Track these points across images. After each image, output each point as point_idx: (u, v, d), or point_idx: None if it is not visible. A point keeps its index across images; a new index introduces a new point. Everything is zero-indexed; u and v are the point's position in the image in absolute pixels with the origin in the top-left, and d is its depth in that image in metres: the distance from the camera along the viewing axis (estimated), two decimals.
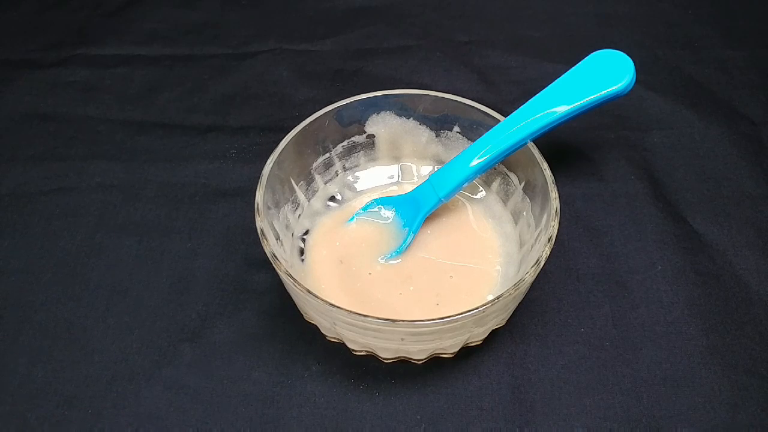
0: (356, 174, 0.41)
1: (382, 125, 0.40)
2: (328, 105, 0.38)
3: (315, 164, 0.39)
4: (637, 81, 0.37)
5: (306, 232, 0.38)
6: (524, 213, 0.37)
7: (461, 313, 0.29)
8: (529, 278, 0.31)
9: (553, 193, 0.33)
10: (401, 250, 0.37)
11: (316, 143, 0.39)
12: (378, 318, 0.29)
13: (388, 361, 0.35)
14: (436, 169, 0.40)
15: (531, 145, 0.36)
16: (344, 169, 0.41)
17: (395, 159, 0.42)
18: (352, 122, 0.40)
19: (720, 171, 0.44)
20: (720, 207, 0.42)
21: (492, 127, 0.37)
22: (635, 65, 0.37)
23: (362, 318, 0.29)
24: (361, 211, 0.39)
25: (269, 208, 0.35)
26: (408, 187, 0.40)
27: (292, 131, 0.36)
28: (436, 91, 0.39)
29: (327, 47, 0.54)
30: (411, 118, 0.40)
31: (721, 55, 0.52)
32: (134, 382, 0.35)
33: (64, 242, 0.41)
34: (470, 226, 0.39)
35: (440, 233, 0.38)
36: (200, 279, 0.39)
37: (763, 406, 0.33)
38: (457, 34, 0.55)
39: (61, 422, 0.33)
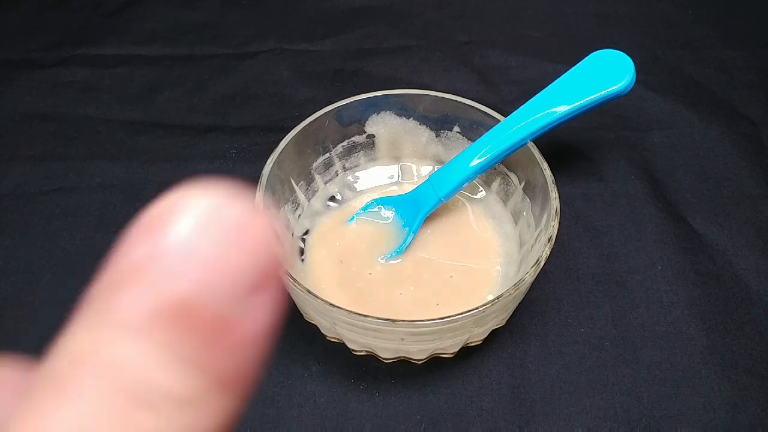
0: (356, 174, 0.41)
1: (382, 125, 0.40)
2: (328, 105, 0.38)
3: (315, 164, 0.39)
4: (637, 81, 0.37)
5: (306, 232, 0.38)
6: (524, 213, 0.37)
7: (461, 313, 0.29)
8: (529, 278, 0.31)
9: (553, 193, 0.33)
10: (401, 250, 0.37)
11: (316, 143, 0.39)
12: (378, 318, 0.29)
13: (388, 361, 0.35)
14: (436, 169, 0.40)
15: (531, 145, 0.36)
16: (344, 169, 0.41)
17: (395, 159, 0.42)
18: (352, 122, 0.40)
19: (720, 171, 0.44)
20: (720, 207, 0.42)
21: (492, 127, 0.37)
22: (635, 65, 0.37)
23: (362, 318, 0.29)
24: (361, 211, 0.39)
25: (269, 208, 0.35)
26: (408, 187, 0.40)
27: (292, 131, 0.36)
28: (436, 91, 0.39)
29: (327, 47, 0.54)
30: (411, 118, 0.40)
31: (721, 55, 0.52)
32: None
33: (64, 242, 0.41)
34: (470, 226, 0.39)
35: (440, 233, 0.38)
36: None
37: (763, 407, 0.33)
38: (457, 34, 0.55)
39: None
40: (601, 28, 0.55)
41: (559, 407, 0.33)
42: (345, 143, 0.40)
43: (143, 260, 0.10)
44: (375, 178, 0.41)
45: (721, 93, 0.49)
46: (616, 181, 0.44)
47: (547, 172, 0.34)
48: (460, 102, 0.38)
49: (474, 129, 0.39)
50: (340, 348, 0.35)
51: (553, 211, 0.33)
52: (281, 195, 0.37)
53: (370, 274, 0.36)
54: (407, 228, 0.38)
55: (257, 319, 0.11)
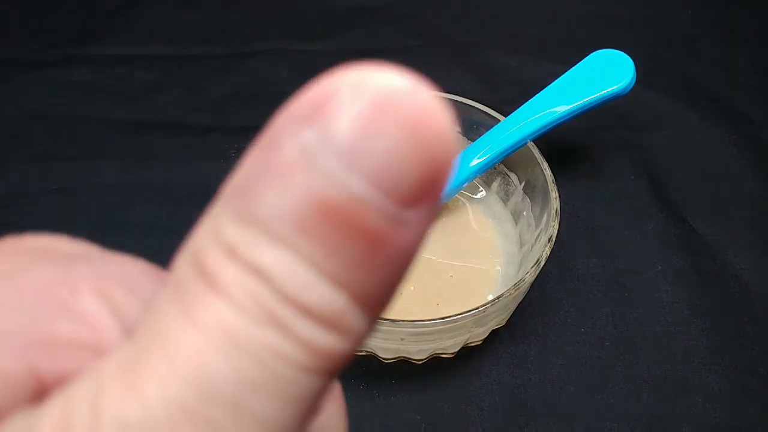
0: None
1: None
2: None
3: None
4: (638, 81, 0.37)
5: None
6: (524, 213, 0.37)
7: (461, 313, 0.29)
8: (530, 278, 0.31)
9: (554, 193, 0.33)
10: None
11: None
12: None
13: (388, 361, 0.35)
14: None
15: (531, 145, 0.36)
16: None
17: None
18: None
19: (720, 171, 0.44)
20: (720, 207, 0.42)
21: (492, 126, 0.37)
22: (635, 65, 0.37)
23: None
24: None
25: None
26: None
27: None
28: (435, 90, 0.39)
29: (327, 47, 0.54)
30: None
31: (722, 54, 0.52)
32: None
33: None
34: (470, 225, 0.39)
35: (440, 233, 0.38)
36: None
37: (763, 407, 0.33)
38: (457, 34, 0.55)
39: None
40: (601, 27, 0.55)
41: (559, 407, 0.33)
42: None
43: (295, 155, 0.09)
44: None
45: (722, 93, 0.49)
46: (616, 180, 0.43)
47: (547, 172, 0.34)
48: (460, 102, 0.38)
49: (474, 129, 0.38)
50: None
51: (554, 211, 0.33)
52: None
53: None
54: None
55: (414, 232, 0.09)
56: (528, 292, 0.35)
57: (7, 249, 0.13)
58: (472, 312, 0.29)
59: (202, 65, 0.52)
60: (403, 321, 0.29)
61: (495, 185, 0.40)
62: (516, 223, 0.38)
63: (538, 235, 0.34)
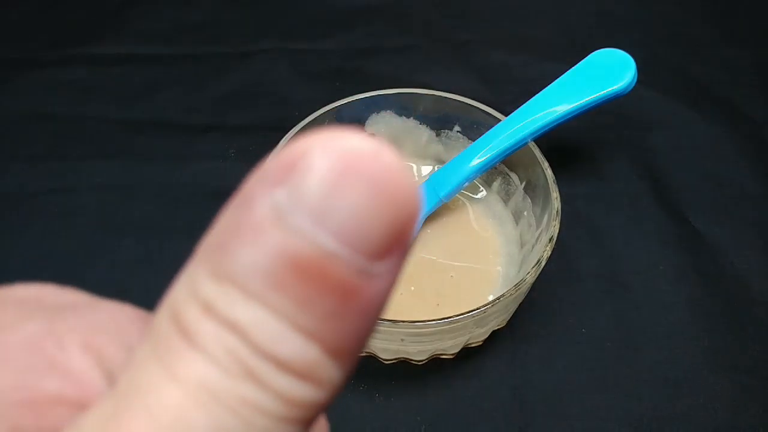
0: None
1: (382, 124, 0.40)
2: (328, 104, 0.38)
3: None
4: (639, 80, 0.37)
5: None
6: (525, 213, 0.37)
7: (462, 314, 0.29)
8: (530, 278, 0.31)
9: (554, 193, 0.33)
10: None
11: None
12: (378, 318, 0.29)
13: (388, 362, 0.35)
14: (436, 169, 0.40)
15: (532, 145, 0.35)
16: None
17: None
18: (352, 121, 0.39)
19: (722, 171, 0.44)
20: (722, 207, 0.42)
21: (493, 126, 0.36)
22: (636, 64, 0.37)
23: None
24: None
25: None
26: None
27: (291, 131, 0.36)
28: (436, 90, 0.39)
29: (327, 46, 0.54)
30: (411, 118, 0.40)
31: (723, 54, 0.52)
32: None
33: (64, 242, 0.41)
34: (471, 225, 0.39)
35: (441, 233, 0.38)
36: None
37: (764, 407, 0.33)
38: (457, 33, 0.55)
39: None
40: (602, 26, 0.55)
41: (560, 408, 0.33)
42: None
43: (267, 213, 0.09)
44: None
45: (723, 92, 0.49)
46: (618, 180, 0.43)
47: (548, 172, 0.34)
48: (461, 101, 0.38)
49: (474, 128, 0.38)
50: None
51: (554, 211, 0.33)
52: None
53: None
54: None
55: (383, 284, 0.10)
56: (529, 292, 0.34)
57: None
58: (472, 312, 0.29)
59: (202, 65, 0.52)
60: (403, 321, 0.29)
61: (496, 185, 0.40)
62: (517, 223, 0.38)
63: (539, 236, 0.34)
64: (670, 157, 0.45)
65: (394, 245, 0.09)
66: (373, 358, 0.35)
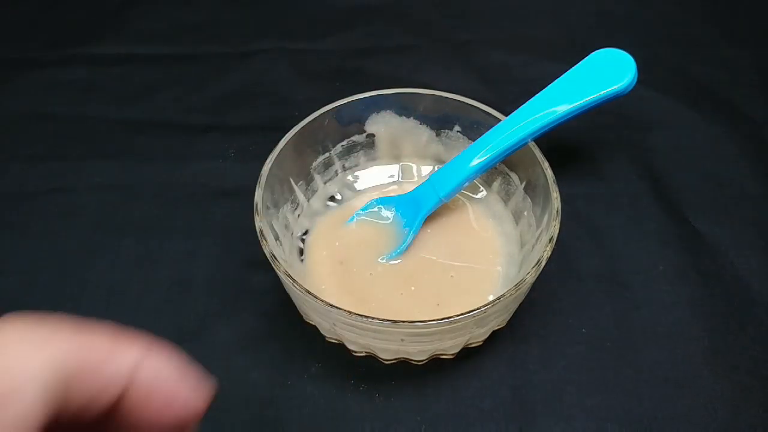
0: (356, 174, 0.41)
1: (382, 124, 0.40)
2: (327, 104, 0.38)
3: (314, 164, 0.39)
4: (639, 80, 0.37)
5: (305, 232, 0.38)
6: (525, 213, 0.37)
7: (462, 314, 0.29)
8: (530, 278, 0.31)
9: (555, 193, 0.33)
10: (402, 250, 0.37)
11: (316, 143, 0.39)
12: (378, 319, 0.29)
13: (388, 362, 0.34)
14: (436, 169, 0.40)
15: (532, 145, 0.35)
16: (344, 168, 0.41)
17: (395, 158, 0.42)
18: (352, 121, 0.39)
19: (722, 171, 0.44)
20: (722, 207, 0.42)
21: (493, 126, 0.36)
22: (637, 64, 0.37)
23: (362, 319, 0.29)
24: (361, 211, 0.39)
25: (268, 208, 0.34)
26: (408, 187, 0.39)
27: (291, 130, 0.36)
28: (436, 90, 0.39)
29: (327, 46, 0.54)
30: (411, 118, 0.40)
31: (723, 54, 0.52)
32: None
33: (64, 242, 0.40)
34: (471, 226, 0.39)
35: (441, 233, 0.38)
36: (199, 279, 0.38)
37: (764, 408, 0.33)
38: (457, 33, 0.55)
39: None
40: (602, 26, 0.55)
41: (560, 408, 0.33)
42: (345, 143, 0.40)
43: None
44: (375, 177, 0.41)
45: (723, 92, 0.49)
46: (618, 180, 0.43)
47: (548, 172, 0.34)
48: (461, 101, 0.38)
49: (474, 128, 0.38)
50: (340, 349, 0.35)
51: (555, 211, 0.33)
52: (280, 195, 0.37)
53: (370, 274, 0.36)
54: (407, 228, 0.38)
55: None
56: (529, 292, 0.34)
57: None
58: (472, 312, 0.29)
59: (201, 65, 0.52)
60: (404, 321, 0.29)
61: (496, 185, 0.40)
62: (517, 223, 0.38)
63: (539, 236, 0.34)
64: (670, 157, 0.45)
65: None
66: (373, 358, 0.35)
